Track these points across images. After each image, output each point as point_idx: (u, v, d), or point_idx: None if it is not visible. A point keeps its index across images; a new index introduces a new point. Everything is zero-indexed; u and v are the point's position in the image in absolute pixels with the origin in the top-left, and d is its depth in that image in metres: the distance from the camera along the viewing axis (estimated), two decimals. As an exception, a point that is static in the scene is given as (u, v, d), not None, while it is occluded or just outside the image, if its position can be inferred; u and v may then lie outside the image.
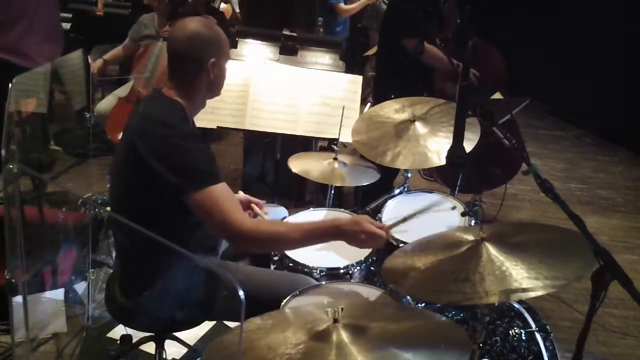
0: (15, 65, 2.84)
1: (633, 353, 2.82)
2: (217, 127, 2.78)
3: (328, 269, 1.95)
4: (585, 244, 1.24)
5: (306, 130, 2.79)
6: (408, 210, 1.83)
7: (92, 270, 2.72)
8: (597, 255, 1.21)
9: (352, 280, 1.94)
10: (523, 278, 1.28)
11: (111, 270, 2.62)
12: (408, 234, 1.95)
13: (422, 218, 1.85)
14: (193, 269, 1.76)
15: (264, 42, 3.38)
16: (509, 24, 6.44)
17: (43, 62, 2.95)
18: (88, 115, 3.07)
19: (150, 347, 2.03)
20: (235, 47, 3.33)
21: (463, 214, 2.08)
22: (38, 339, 2.49)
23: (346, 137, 2.57)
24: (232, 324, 2.16)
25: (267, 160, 3.70)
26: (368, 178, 2.45)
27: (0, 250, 1.81)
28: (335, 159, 2.45)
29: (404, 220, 1.78)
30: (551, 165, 5.40)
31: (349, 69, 3.41)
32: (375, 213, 2.26)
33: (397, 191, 2.61)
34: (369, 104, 3.86)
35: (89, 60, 3.32)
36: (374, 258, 2.02)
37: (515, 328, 1.82)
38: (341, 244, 1.70)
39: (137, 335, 2.06)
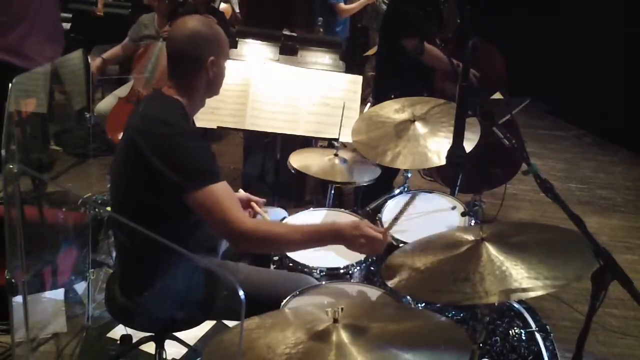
0: (16, 67, 2.84)
1: (633, 353, 2.82)
2: (217, 127, 2.78)
3: (328, 269, 1.94)
4: (585, 244, 1.24)
5: (306, 130, 2.79)
6: (408, 210, 1.83)
7: (92, 270, 2.72)
8: (597, 255, 1.21)
9: (352, 280, 1.94)
10: (523, 278, 1.28)
11: (111, 270, 2.62)
12: (408, 234, 1.95)
13: (422, 218, 1.85)
14: (193, 269, 1.76)
15: (264, 42, 3.38)
16: (509, 24, 6.44)
17: (43, 63, 2.95)
18: (88, 115, 3.07)
19: (150, 347, 2.03)
20: (235, 47, 3.33)
21: (463, 214, 2.08)
22: (38, 339, 2.49)
23: (346, 137, 2.57)
24: (231, 324, 2.17)
25: (267, 160, 3.70)
26: (369, 174, 2.45)
27: (0, 250, 1.81)
28: (335, 155, 2.45)
29: (397, 217, 1.76)
30: (551, 165, 5.39)
31: (349, 69, 3.40)
32: (375, 213, 2.26)
33: (397, 191, 2.62)
34: (369, 104, 3.86)
35: (89, 60, 3.32)
36: (374, 258, 2.02)
37: (515, 328, 1.82)
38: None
39: (137, 335, 2.06)
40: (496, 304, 1.59)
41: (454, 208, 2.20)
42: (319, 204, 3.06)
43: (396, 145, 2.31)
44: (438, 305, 1.88)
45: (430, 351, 1.19)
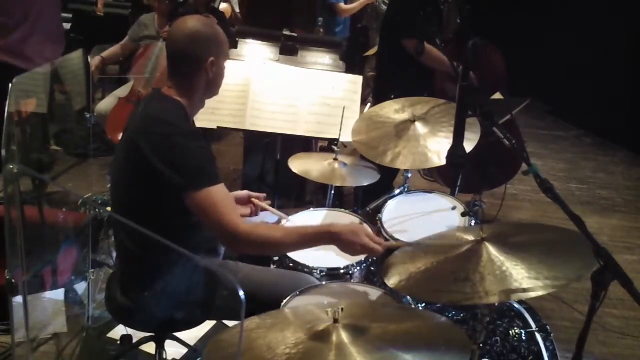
0: (16, 68, 2.84)
1: (633, 353, 2.82)
2: (217, 127, 2.78)
3: (328, 269, 1.95)
4: (585, 244, 1.24)
5: (306, 130, 2.79)
6: (408, 210, 1.83)
7: (92, 270, 2.72)
8: (597, 255, 1.21)
9: (352, 280, 1.94)
10: (523, 278, 1.28)
11: (111, 270, 2.62)
12: (408, 233, 1.96)
13: (422, 218, 1.85)
14: (193, 268, 1.76)
15: (264, 42, 3.38)
16: (509, 24, 6.43)
17: (44, 64, 2.94)
18: (88, 115, 3.07)
19: (150, 347, 2.03)
20: (235, 47, 3.32)
21: (463, 214, 2.08)
22: (38, 339, 2.49)
23: (346, 137, 2.57)
24: (231, 323, 2.16)
25: (267, 160, 3.69)
26: (368, 178, 2.45)
27: (1, 250, 1.81)
28: (335, 159, 2.46)
29: (406, 244, 1.74)
30: (551, 165, 5.39)
31: (349, 69, 3.40)
32: (375, 213, 2.26)
33: (397, 191, 2.61)
34: (369, 104, 3.86)
35: (88, 60, 3.32)
36: (374, 258, 2.02)
37: (515, 328, 1.82)
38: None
39: (137, 335, 2.06)
40: (496, 304, 1.59)
41: (454, 208, 2.20)
42: (319, 204, 3.05)
43: (396, 145, 2.31)
44: (438, 305, 1.88)
45: (430, 351, 1.19)
